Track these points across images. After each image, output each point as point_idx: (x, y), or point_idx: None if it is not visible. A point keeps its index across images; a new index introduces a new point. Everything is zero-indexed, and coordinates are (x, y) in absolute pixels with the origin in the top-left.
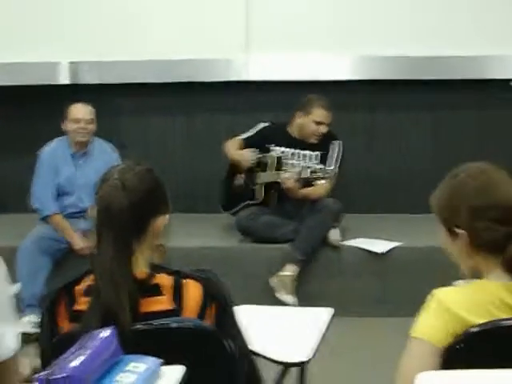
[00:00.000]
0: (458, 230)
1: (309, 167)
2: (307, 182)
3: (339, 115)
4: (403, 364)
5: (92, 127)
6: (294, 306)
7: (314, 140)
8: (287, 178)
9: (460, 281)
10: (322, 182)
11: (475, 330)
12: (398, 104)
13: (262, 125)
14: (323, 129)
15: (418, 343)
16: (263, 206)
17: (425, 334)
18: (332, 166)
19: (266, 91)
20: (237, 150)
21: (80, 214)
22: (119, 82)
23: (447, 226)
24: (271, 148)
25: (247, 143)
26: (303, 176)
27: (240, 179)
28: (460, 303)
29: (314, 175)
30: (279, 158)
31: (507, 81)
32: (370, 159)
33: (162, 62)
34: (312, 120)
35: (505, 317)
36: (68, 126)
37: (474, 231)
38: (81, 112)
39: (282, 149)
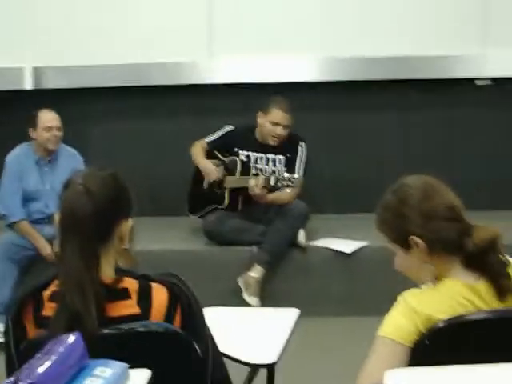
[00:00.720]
0: (413, 239)
1: (275, 174)
2: (273, 189)
3: (304, 116)
4: (369, 363)
5: (61, 134)
6: (256, 307)
7: (272, 142)
8: (254, 185)
9: (426, 284)
10: (288, 190)
11: (441, 325)
12: (363, 105)
13: (227, 128)
14: (280, 130)
15: (385, 342)
16: (230, 210)
17: (392, 334)
18: (298, 173)
19: (232, 94)
20: (203, 160)
21: (46, 220)
22: (82, 87)
23: (399, 240)
24: (237, 152)
25: (212, 146)
26: (271, 183)
27: (204, 183)
28: (427, 303)
29: (280, 183)
30: (245, 163)
31: (472, 80)
32: (335, 160)
33: (126, 66)
34: (269, 120)
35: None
36: (39, 133)
37: (430, 234)
38: (52, 120)
39: (248, 153)
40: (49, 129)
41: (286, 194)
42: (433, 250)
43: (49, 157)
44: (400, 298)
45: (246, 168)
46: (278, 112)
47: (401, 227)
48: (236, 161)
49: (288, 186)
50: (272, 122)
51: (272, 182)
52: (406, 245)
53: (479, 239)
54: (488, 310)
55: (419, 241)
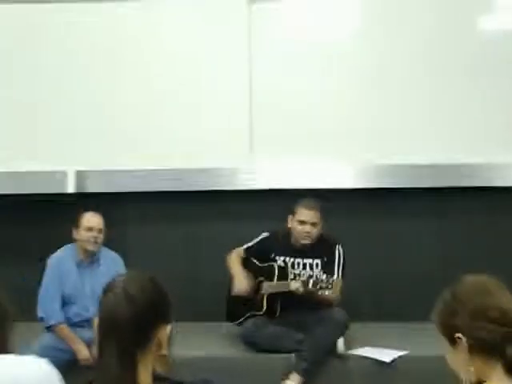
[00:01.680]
0: (457, 335)
1: (311, 277)
2: (311, 293)
3: (343, 222)
4: None
5: (101, 237)
6: None
7: (303, 241)
8: (297, 286)
9: None
10: (326, 293)
11: None
12: (403, 211)
13: (263, 234)
14: (308, 228)
15: None
16: (268, 316)
17: None
18: (335, 275)
19: (271, 199)
20: (237, 268)
21: (85, 323)
22: (123, 191)
23: (447, 334)
24: (274, 257)
25: (249, 253)
26: (309, 286)
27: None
28: None
29: (319, 285)
30: (282, 268)
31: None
32: (374, 267)
33: (167, 171)
34: (296, 220)
35: None
36: (80, 234)
37: (473, 333)
38: (93, 221)
39: (284, 258)
40: (90, 229)
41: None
42: (473, 351)
43: (90, 259)
44: None
45: (283, 273)
46: (302, 210)
47: (449, 322)
48: (273, 266)
49: (327, 287)
50: (299, 220)
51: (310, 285)
52: (452, 341)
53: None
54: None
55: (462, 338)
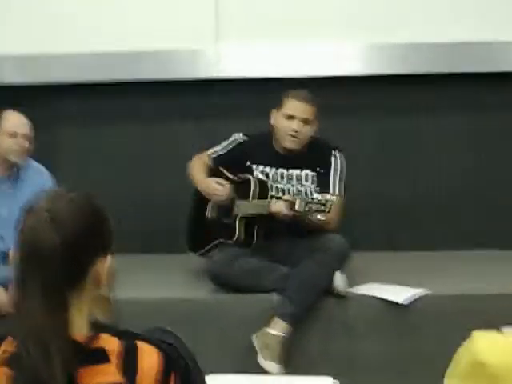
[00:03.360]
0: None
1: (301, 196)
2: (300, 218)
3: (341, 121)
4: None
5: (29, 147)
6: (278, 375)
7: (289, 144)
8: (278, 210)
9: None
10: (320, 217)
11: None
12: (420, 105)
13: (236, 137)
14: (296, 125)
15: None
16: (242, 245)
17: None
18: (334, 193)
19: (245, 91)
20: (205, 178)
21: (0, 258)
22: (52, 82)
23: None
24: (250, 167)
25: (218, 161)
26: (297, 209)
27: (212, 211)
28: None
29: (309, 208)
30: (263, 183)
31: None
32: (384, 179)
33: (109, 57)
34: (282, 114)
35: None
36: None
37: None
38: (18, 124)
39: (265, 168)
40: (13, 135)
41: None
42: None
43: (8, 173)
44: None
45: (262, 189)
46: (291, 101)
47: None
48: (249, 179)
49: (320, 210)
50: (285, 114)
51: (298, 207)
52: None
53: None
54: None
55: None
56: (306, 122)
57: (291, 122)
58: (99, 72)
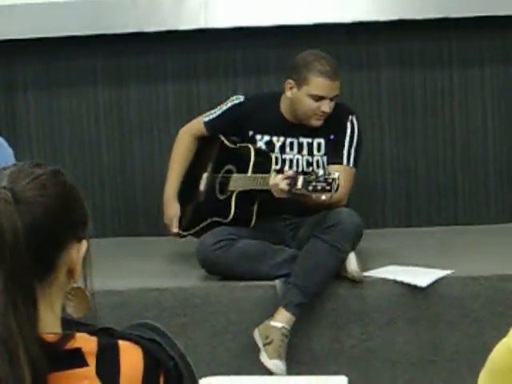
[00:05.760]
0: None
1: (304, 172)
2: (300, 196)
3: (353, 77)
4: None
5: None
6: (281, 374)
7: (315, 122)
8: (275, 183)
9: None
10: (324, 198)
11: None
12: (444, 56)
13: (235, 100)
14: (327, 106)
15: None
16: (240, 225)
17: None
18: (347, 163)
19: (242, 42)
20: (173, 179)
21: None
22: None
23: None
24: (252, 136)
25: (213, 128)
26: (299, 187)
27: (201, 184)
28: None
29: (312, 187)
30: (261, 152)
31: None
32: (404, 145)
33: (80, 4)
34: (308, 94)
35: None
36: None
37: None
38: None
39: (269, 137)
40: None
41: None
42: None
43: None
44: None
45: (263, 160)
46: (321, 81)
47: None
48: (249, 150)
49: (324, 190)
50: (314, 95)
51: (300, 185)
52: None
53: None
54: None
55: None
56: (334, 98)
57: (320, 102)
58: (60, 25)
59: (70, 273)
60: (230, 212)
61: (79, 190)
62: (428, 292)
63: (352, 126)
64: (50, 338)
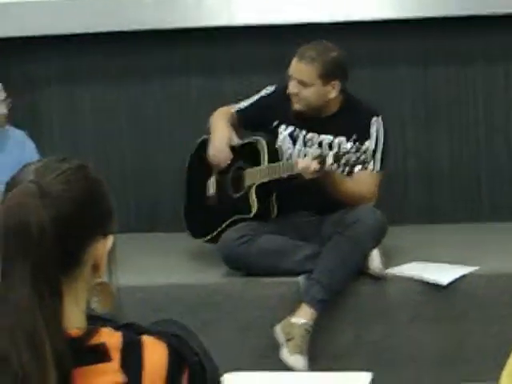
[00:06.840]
0: None
1: (332, 150)
2: (333, 180)
3: (377, 73)
4: None
5: (4, 112)
6: (303, 371)
7: (294, 107)
8: (307, 165)
9: None
10: (357, 169)
11: None
12: (467, 53)
13: (267, 90)
14: (292, 86)
15: None
16: (260, 219)
17: None
18: (372, 164)
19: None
20: (223, 127)
21: None
22: (25, 34)
23: None
24: (276, 127)
25: (244, 118)
26: (332, 162)
27: (209, 189)
28: None
29: (344, 161)
30: (271, 143)
31: None
32: (428, 142)
33: (102, 1)
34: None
35: None
36: None
37: None
38: None
39: (292, 129)
40: None
41: (363, 180)
42: None
43: None
44: None
45: (273, 149)
46: (293, 60)
47: None
48: (257, 142)
49: (357, 162)
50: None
51: (331, 160)
52: None
53: None
54: None
55: None
56: (302, 84)
57: (290, 82)
58: (80, 23)
59: (96, 268)
60: (251, 207)
61: (105, 184)
62: (451, 289)
63: (376, 126)
64: (75, 332)
